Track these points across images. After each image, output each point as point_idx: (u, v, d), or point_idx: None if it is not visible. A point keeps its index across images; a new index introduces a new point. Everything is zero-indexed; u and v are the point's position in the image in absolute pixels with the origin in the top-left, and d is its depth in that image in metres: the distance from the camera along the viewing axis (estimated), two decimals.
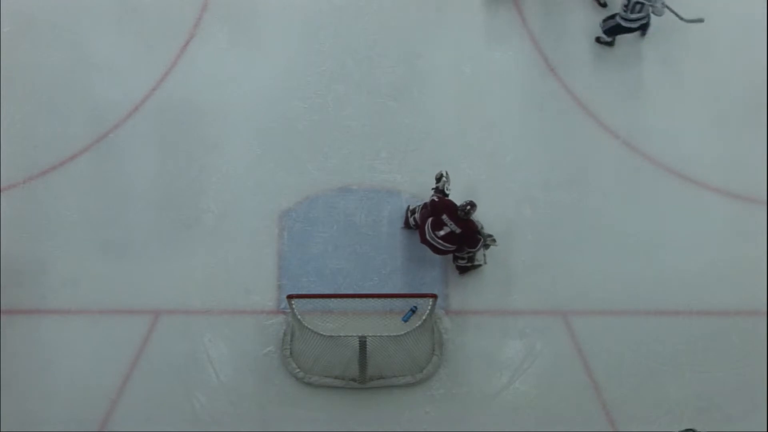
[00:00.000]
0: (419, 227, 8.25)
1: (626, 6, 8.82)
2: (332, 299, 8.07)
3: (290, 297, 7.57)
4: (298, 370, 8.20)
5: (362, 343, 7.60)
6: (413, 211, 8.45)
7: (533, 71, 9.42)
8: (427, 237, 8.08)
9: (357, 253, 8.66)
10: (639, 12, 8.79)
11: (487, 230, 8.27)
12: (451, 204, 8.01)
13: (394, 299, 8.29)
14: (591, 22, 9.55)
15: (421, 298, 8.11)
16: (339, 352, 7.88)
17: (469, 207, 7.91)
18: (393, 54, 9.35)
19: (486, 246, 8.21)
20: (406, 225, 8.65)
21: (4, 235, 8.53)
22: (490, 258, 8.44)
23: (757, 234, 8.76)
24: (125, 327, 8.29)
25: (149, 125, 9.02)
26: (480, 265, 8.49)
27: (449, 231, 7.97)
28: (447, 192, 8.16)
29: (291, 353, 8.24)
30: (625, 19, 8.90)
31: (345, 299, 7.98)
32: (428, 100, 9.25)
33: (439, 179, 8.24)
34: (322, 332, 7.58)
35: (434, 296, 7.77)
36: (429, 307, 7.67)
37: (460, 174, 8.89)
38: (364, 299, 7.99)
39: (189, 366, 8.25)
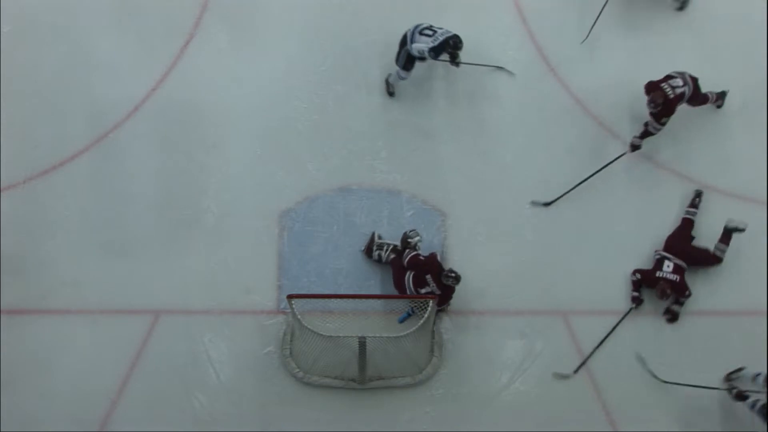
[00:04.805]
0: (395, 275, 8.26)
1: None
2: (332, 299, 8.07)
3: (290, 297, 7.56)
4: (298, 370, 8.19)
5: (362, 343, 7.59)
6: (381, 246, 8.38)
7: (533, 71, 9.42)
8: (407, 291, 8.15)
9: (357, 253, 8.65)
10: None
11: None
12: (437, 266, 8.08)
13: (394, 299, 8.29)
14: (592, 22, 9.58)
15: (420, 299, 8.09)
16: (339, 352, 7.86)
17: (453, 278, 7.98)
18: (393, 54, 9.32)
19: (441, 310, 8.26)
20: (368, 253, 8.50)
21: (4, 235, 8.52)
22: None
23: (757, 234, 8.74)
24: (125, 327, 8.28)
25: (149, 125, 9.01)
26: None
27: (429, 291, 8.04)
28: (418, 249, 8.26)
29: (291, 353, 8.23)
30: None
31: (345, 299, 7.99)
32: (428, 99, 9.24)
33: (413, 237, 8.32)
34: (322, 332, 7.57)
35: (434, 296, 7.77)
36: (429, 308, 7.65)
37: (460, 174, 8.91)
38: (364, 299, 8.00)
39: (189, 366, 8.24)
